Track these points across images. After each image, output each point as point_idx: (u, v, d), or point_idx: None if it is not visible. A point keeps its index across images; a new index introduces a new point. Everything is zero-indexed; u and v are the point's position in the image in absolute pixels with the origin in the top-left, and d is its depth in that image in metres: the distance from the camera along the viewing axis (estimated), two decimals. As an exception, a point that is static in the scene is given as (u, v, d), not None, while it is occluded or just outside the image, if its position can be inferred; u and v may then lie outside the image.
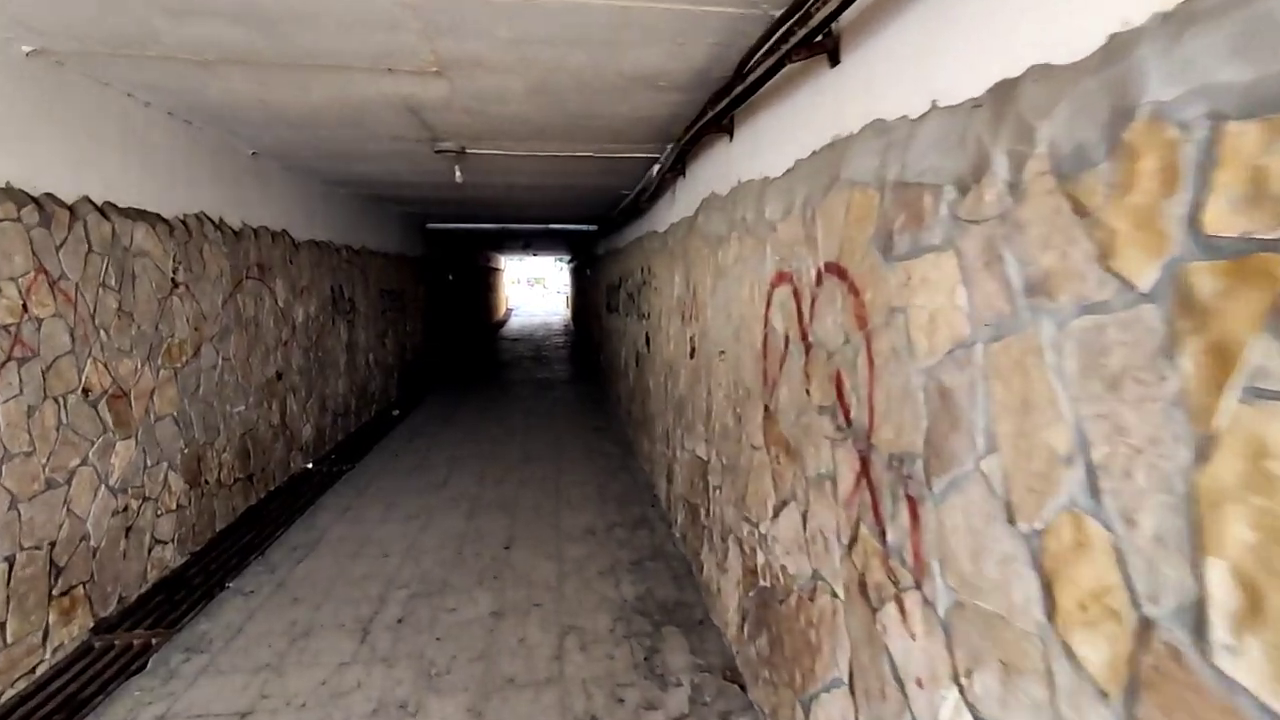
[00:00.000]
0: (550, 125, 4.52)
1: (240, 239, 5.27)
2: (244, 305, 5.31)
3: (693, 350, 4.31)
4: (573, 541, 4.83)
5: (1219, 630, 0.93)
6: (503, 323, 26.53)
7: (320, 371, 7.03)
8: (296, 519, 5.28)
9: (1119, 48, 1.09)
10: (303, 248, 6.56)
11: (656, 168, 5.56)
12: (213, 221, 4.84)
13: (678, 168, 4.71)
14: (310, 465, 6.65)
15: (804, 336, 2.40)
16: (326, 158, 5.72)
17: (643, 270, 6.93)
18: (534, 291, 39.67)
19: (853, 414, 2.02)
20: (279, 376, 5.97)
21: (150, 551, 4.02)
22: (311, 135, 4.89)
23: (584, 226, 12.59)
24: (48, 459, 3.20)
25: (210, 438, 4.76)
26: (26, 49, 3.09)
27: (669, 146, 5.10)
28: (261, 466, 5.58)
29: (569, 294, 29.58)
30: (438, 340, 13.66)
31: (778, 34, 2.33)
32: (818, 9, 1.98)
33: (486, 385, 11.93)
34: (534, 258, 27.16)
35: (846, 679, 2.08)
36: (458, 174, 5.41)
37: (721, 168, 3.70)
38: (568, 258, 25.13)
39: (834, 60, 2.20)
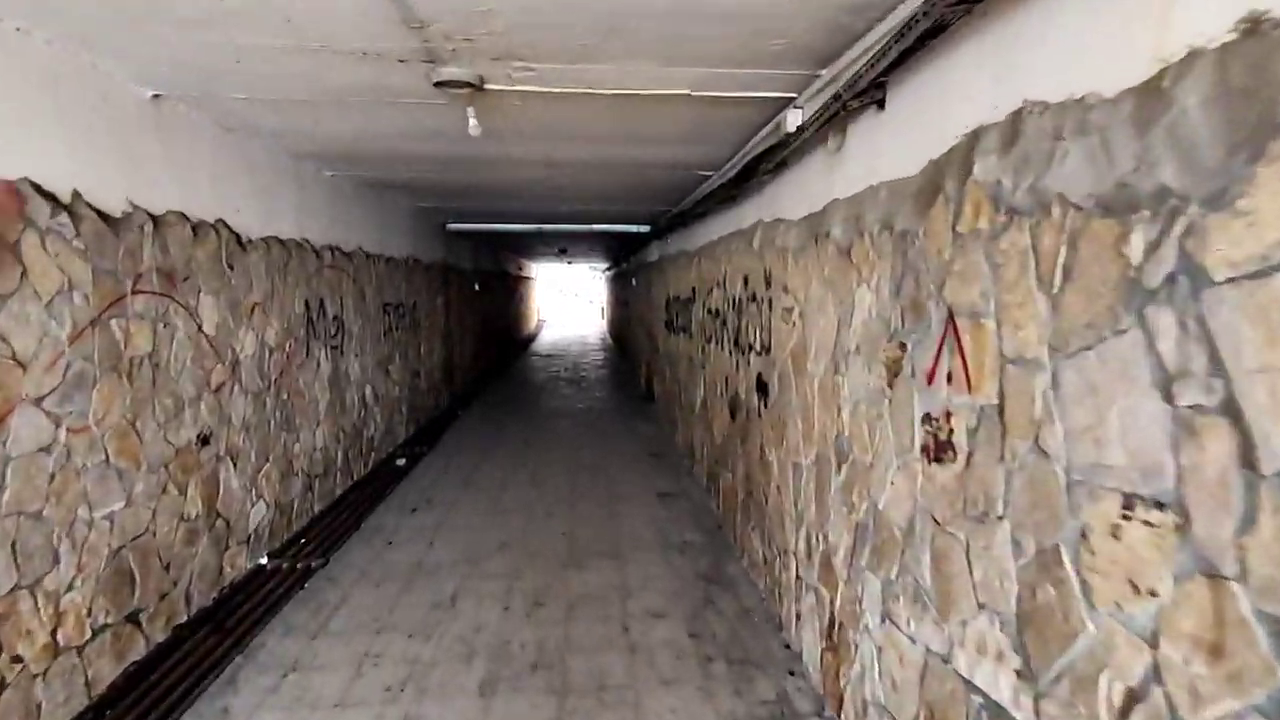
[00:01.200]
0: (622, 11, 2.40)
1: (122, 230, 3.22)
2: (128, 337, 3.25)
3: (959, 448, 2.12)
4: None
5: None
6: (534, 336, 24.54)
7: (283, 423, 4.97)
8: (209, 683, 3.20)
9: None
10: (253, 248, 4.51)
11: (795, 116, 3.39)
12: (49, 196, 2.78)
13: (864, 97, 2.53)
14: (265, 561, 4.58)
15: None
16: (271, 105, 3.66)
17: (747, 283, 4.78)
18: (566, 300, 37.71)
19: None
20: (203, 441, 3.90)
21: None
22: (231, 54, 2.82)
23: (633, 228, 10.48)
24: None
25: (36, 572, 2.69)
26: None
27: (824, 74, 2.93)
28: (161, 593, 3.51)
29: (606, 304, 27.52)
30: (461, 362, 11.63)
31: None
32: None
33: (517, 418, 9.83)
34: (569, 266, 25.13)
35: None
36: (472, 123, 3.32)
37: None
38: (604, 265, 23.08)
39: None
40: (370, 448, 6.89)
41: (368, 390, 6.86)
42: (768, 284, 4.18)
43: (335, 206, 6.02)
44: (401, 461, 7.19)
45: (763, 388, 4.27)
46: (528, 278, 23.79)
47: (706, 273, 6.33)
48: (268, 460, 4.71)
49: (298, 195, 5.24)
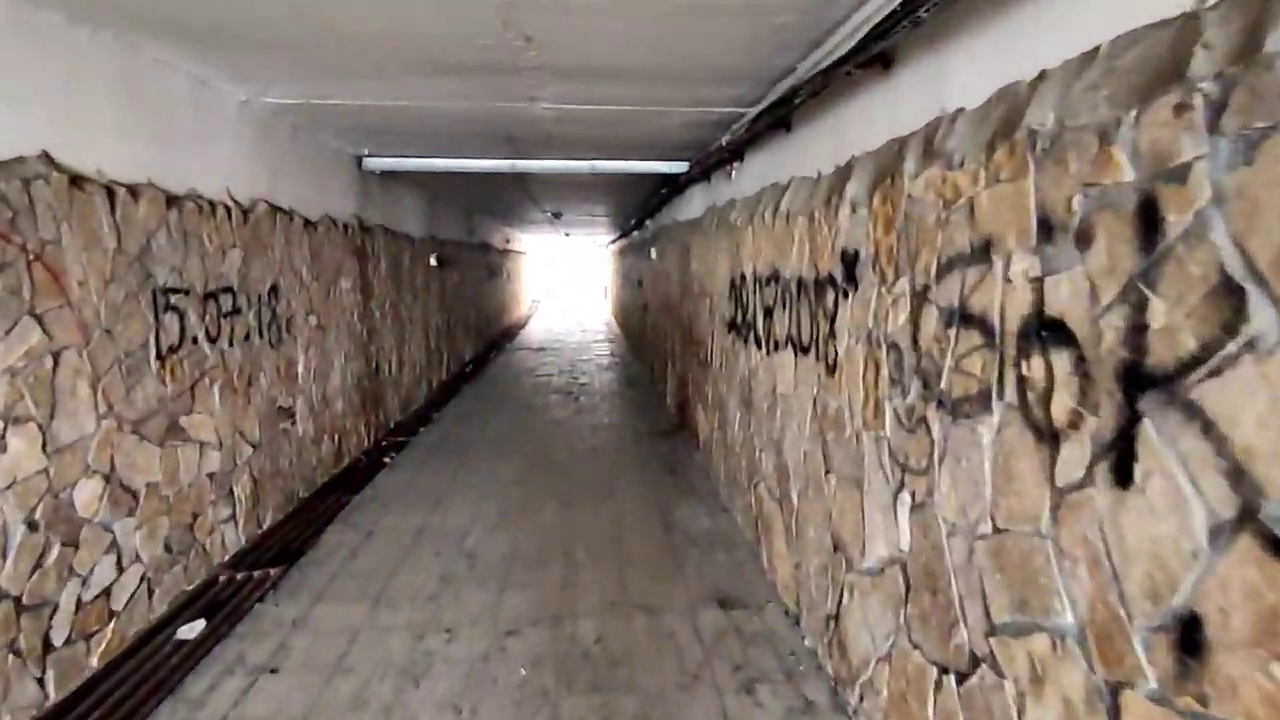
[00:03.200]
0: None
1: None
2: None
3: None
4: None
5: None
6: (524, 324, 20.59)
7: None
8: None
9: None
10: None
11: None
12: None
13: None
14: None
15: None
16: None
17: None
18: (563, 279, 33.64)
19: None
20: None
21: None
22: None
23: (660, 167, 6.63)
24: None
25: None
26: None
27: None
28: None
29: (611, 284, 23.49)
30: (399, 376, 7.77)
31: None
32: None
33: (475, 481, 5.99)
34: (566, 238, 21.12)
35: None
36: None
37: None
38: (610, 237, 19.11)
39: None
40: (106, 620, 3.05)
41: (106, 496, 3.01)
42: None
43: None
44: (188, 633, 3.35)
45: None
46: (516, 251, 19.82)
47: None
48: None
49: None
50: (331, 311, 5.79)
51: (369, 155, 6.40)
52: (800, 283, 3.34)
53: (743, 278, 4.55)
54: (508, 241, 17.73)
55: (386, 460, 6.45)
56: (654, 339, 10.14)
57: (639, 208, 10.98)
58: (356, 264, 6.39)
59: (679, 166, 6.65)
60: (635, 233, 13.12)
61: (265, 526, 4.53)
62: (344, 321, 6.07)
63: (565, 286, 32.82)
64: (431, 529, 4.69)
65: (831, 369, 2.91)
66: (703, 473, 5.89)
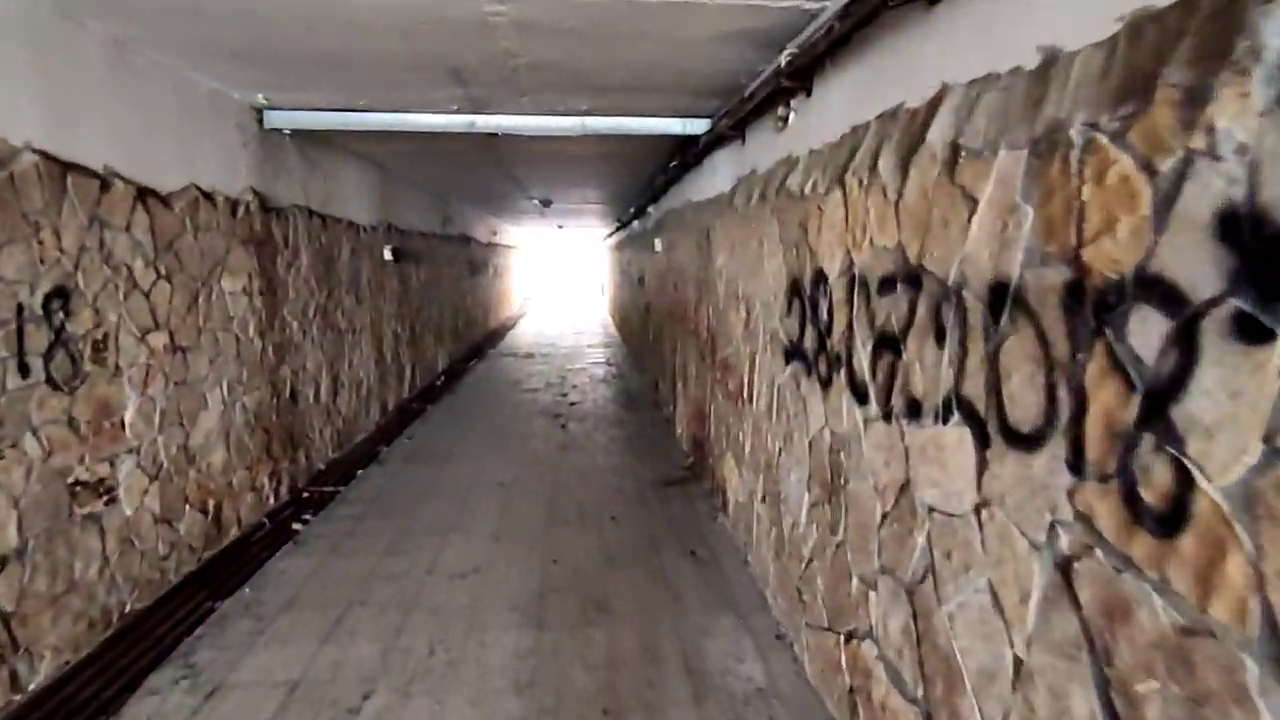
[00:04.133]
0: None
1: None
2: None
3: None
4: None
5: None
6: (512, 325, 18.77)
7: None
8: None
9: None
10: None
11: None
12: None
13: None
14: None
15: None
16: None
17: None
18: (558, 276, 31.79)
19: None
20: None
21: None
22: None
23: (674, 126, 4.90)
24: None
25: None
26: None
27: None
28: None
29: (609, 283, 21.69)
30: (332, 406, 5.97)
31: None
32: None
33: (416, 566, 4.21)
34: (560, 230, 19.29)
35: None
36: None
37: None
38: (609, 230, 17.34)
39: None
40: None
41: None
42: None
43: None
44: None
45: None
46: (505, 246, 18.00)
47: None
48: None
49: None
50: (203, 325, 4.00)
51: (271, 107, 4.60)
52: (1004, 294, 1.55)
53: (819, 278, 2.76)
54: (494, 234, 15.94)
55: (298, 526, 4.68)
56: (658, 347, 8.36)
57: (640, 191, 9.19)
58: (253, 257, 4.60)
59: (698, 126, 4.89)
60: (636, 222, 11.32)
61: (37, 684, 2.75)
62: (227, 338, 4.28)
63: (559, 283, 30.97)
64: (312, 684, 2.91)
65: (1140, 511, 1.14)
66: (735, 555, 4.11)
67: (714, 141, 4.67)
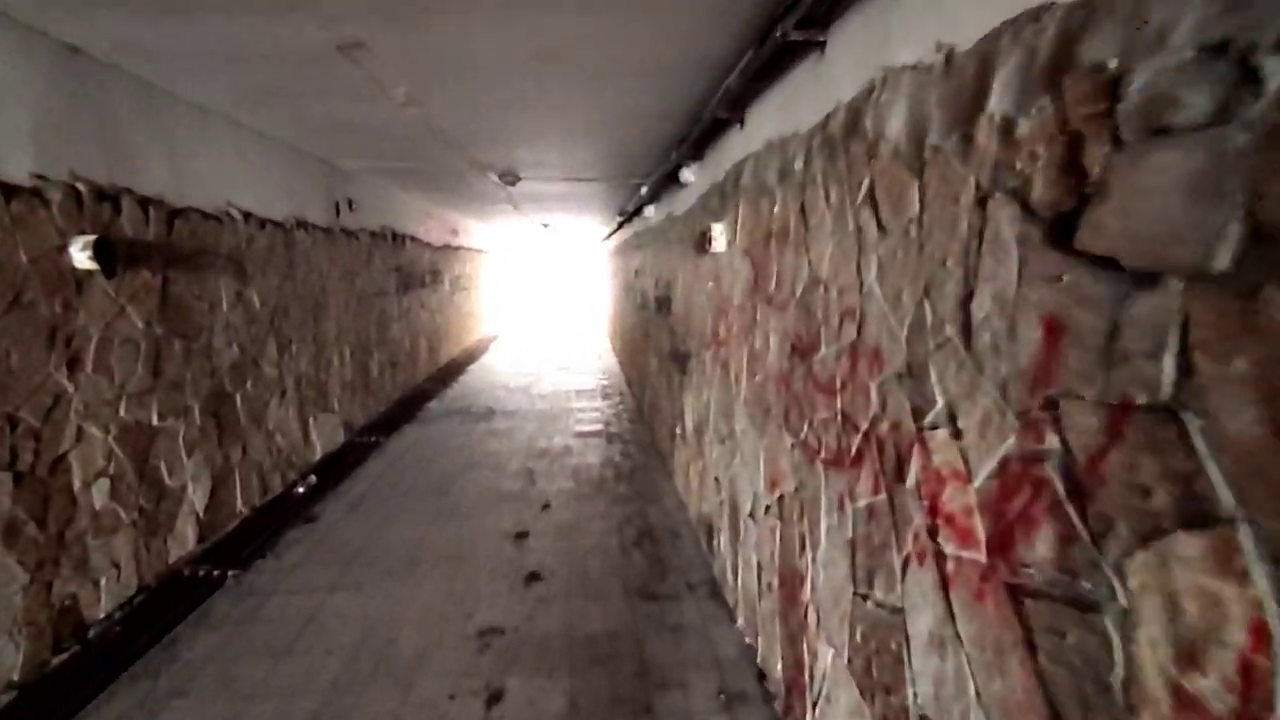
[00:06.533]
0: None
1: None
2: None
3: None
4: None
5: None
6: (475, 358, 14.27)
7: None
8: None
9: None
10: None
11: None
12: None
13: None
14: None
15: None
16: None
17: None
18: (545, 293, 27.49)
19: None
20: None
21: None
22: None
23: None
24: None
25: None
26: None
27: None
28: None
29: (610, 295, 17.27)
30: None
31: None
32: None
33: None
34: (545, 229, 15.36)
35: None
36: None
37: None
38: (610, 227, 13.48)
39: None
40: None
41: None
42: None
43: None
44: None
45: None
46: (468, 249, 14.01)
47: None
48: None
49: None
50: None
51: None
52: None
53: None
54: (455, 234, 12.13)
55: None
56: (691, 425, 4.58)
57: (661, 152, 5.45)
58: None
59: None
60: (651, 208, 7.49)
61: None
62: None
63: (545, 298, 26.44)
64: None
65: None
66: None
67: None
